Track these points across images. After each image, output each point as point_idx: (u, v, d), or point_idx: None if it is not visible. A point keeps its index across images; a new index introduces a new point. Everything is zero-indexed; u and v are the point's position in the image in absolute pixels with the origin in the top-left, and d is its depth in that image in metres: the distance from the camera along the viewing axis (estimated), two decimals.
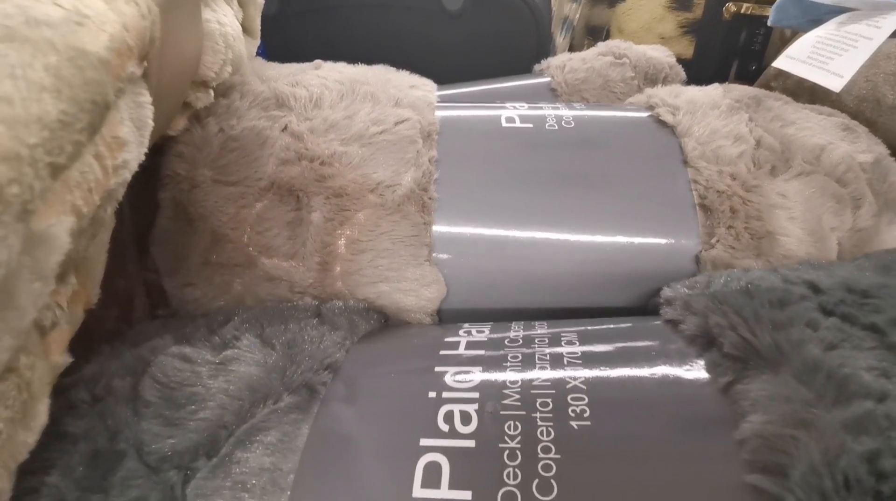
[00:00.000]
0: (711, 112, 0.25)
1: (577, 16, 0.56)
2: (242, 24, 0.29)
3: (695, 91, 0.27)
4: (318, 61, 0.27)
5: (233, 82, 0.24)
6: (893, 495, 0.11)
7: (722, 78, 0.49)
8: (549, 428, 0.14)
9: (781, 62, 0.24)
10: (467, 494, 0.13)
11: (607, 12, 0.51)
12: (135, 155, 0.13)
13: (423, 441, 0.14)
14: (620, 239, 0.23)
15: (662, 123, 0.25)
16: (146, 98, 0.14)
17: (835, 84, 0.22)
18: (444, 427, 0.14)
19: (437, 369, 0.16)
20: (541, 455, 0.13)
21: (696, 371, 0.15)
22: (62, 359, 0.14)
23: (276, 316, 0.19)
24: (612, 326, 0.18)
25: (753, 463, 0.12)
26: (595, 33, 0.54)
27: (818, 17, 0.23)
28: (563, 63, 0.38)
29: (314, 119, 0.23)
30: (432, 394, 0.15)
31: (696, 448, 0.13)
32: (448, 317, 0.23)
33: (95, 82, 0.09)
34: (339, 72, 0.26)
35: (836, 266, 0.17)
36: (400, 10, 0.50)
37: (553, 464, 0.13)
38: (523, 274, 0.23)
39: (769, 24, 0.26)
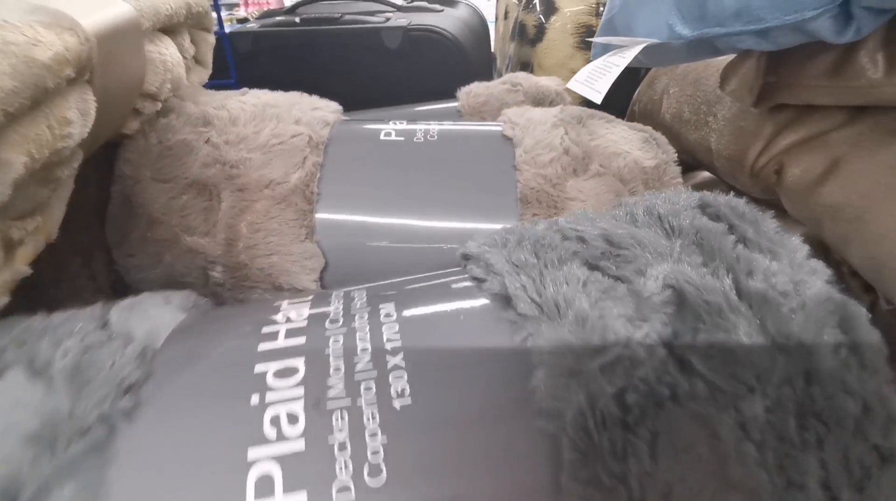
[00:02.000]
0: (539, 127, 0.32)
1: (513, 54, 0.64)
2: (195, 57, 0.37)
3: (537, 112, 0.34)
4: (244, 89, 0.35)
5: (172, 106, 0.32)
6: (636, 422, 0.14)
7: (627, 104, 0.56)
8: (374, 412, 0.14)
9: (570, 84, 0.32)
10: (303, 495, 0.13)
11: (530, 51, 0.58)
12: (78, 131, 0.21)
13: (251, 453, 0.14)
14: (461, 224, 0.30)
15: (506, 136, 0.32)
16: (90, 97, 0.22)
17: (597, 98, 0.29)
18: (272, 433, 0.14)
19: (258, 368, 0.16)
20: (368, 441, 0.14)
21: (499, 332, 0.17)
22: (24, 269, 0.21)
23: (49, 333, 0.16)
24: (425, 284, 0.21)
25: (540, 410, 0.14)
26: (525, 68, 0.62)
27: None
28: (470, 90, 0.46)
29: (230, 134, 0.30)
30: (255, 399, 0.15)
31: (503, 405, 0.15)
32: (331, 285, 0.30)
33: (39, 75, 0.17)
34: (258, 97, 0.33)
35: (599, 217, 0.21)
36: (352, 48, 0.58)
37: (381, 448, 0.14)
38: (385, 251, 0.30)
39: (591, 58, 0.34)
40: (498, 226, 0.30)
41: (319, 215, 0.30)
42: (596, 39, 0.29)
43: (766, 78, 0.23)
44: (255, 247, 0.29)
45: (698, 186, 0.38)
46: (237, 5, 2.55)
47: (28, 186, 0.19)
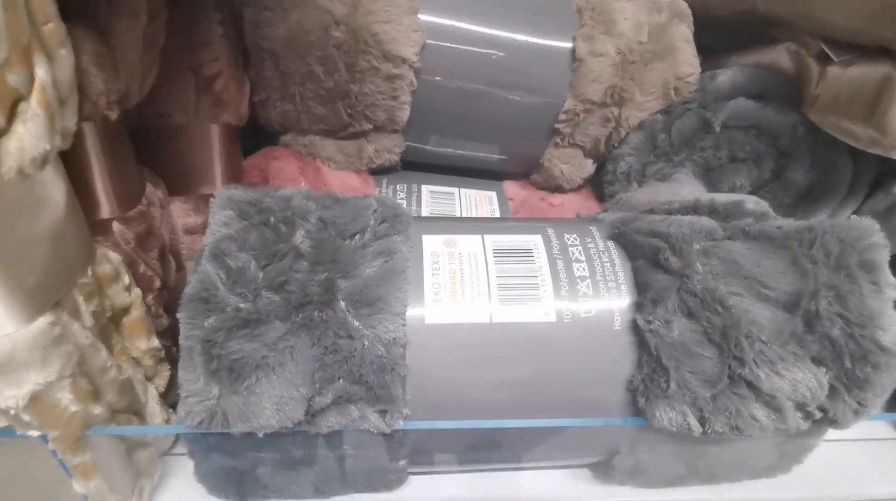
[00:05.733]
0: None
1: None
2: None
3: None
4: None
5: None
6: None
7: None
8: None
9: None
10: None
11: None
12: None
13: None
14: (539, 40, 0.38)
15: None
16: None
17: None
18: None
19: None
20: None
21: None
22: None
23: None
24: None
25: None
26: None
27: None
28: None
29: None
30: None
31: None
32: (426, 58, 0.37)
33: None
34: None
35: None
36: None
37: None
38: (468, 46, 0.37)
39: None
40: (562, 43, 0.38)
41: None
42: None
43: None
44: (373, 13, 0.35)
45: None
46: None
47: None
